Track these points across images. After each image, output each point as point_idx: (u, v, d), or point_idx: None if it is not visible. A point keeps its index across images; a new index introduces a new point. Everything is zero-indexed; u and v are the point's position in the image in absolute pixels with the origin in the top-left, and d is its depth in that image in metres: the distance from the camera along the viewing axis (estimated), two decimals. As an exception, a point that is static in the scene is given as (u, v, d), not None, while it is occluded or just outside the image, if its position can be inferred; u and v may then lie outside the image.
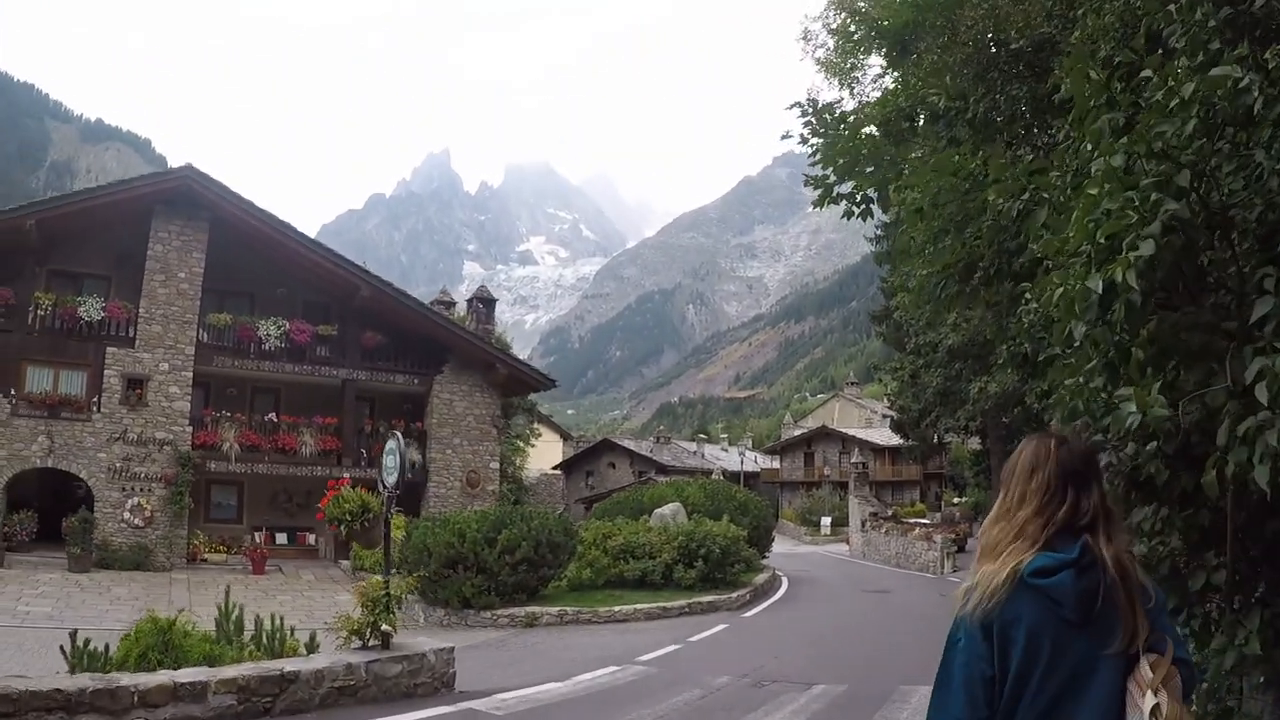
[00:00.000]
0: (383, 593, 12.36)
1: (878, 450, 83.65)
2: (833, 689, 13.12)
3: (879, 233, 60.46)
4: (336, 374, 36.51)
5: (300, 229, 36.73)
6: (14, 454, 31.35)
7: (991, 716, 3.08)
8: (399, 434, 12.94)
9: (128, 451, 32.41)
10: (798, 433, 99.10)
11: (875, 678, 14.14)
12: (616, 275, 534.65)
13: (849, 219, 13.06)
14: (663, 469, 77.98)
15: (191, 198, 33.82)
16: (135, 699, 9.45)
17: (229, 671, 10.56)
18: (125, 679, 9.74)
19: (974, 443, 66.35)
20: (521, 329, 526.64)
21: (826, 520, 74.87)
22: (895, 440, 70.98)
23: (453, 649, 13.08)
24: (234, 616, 13.03)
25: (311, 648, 12.52)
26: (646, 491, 38.24)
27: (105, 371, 32.74)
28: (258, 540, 34.42)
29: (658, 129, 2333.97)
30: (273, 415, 36.02)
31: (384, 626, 12.27)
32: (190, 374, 33.85)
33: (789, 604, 26.78)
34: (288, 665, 11.12)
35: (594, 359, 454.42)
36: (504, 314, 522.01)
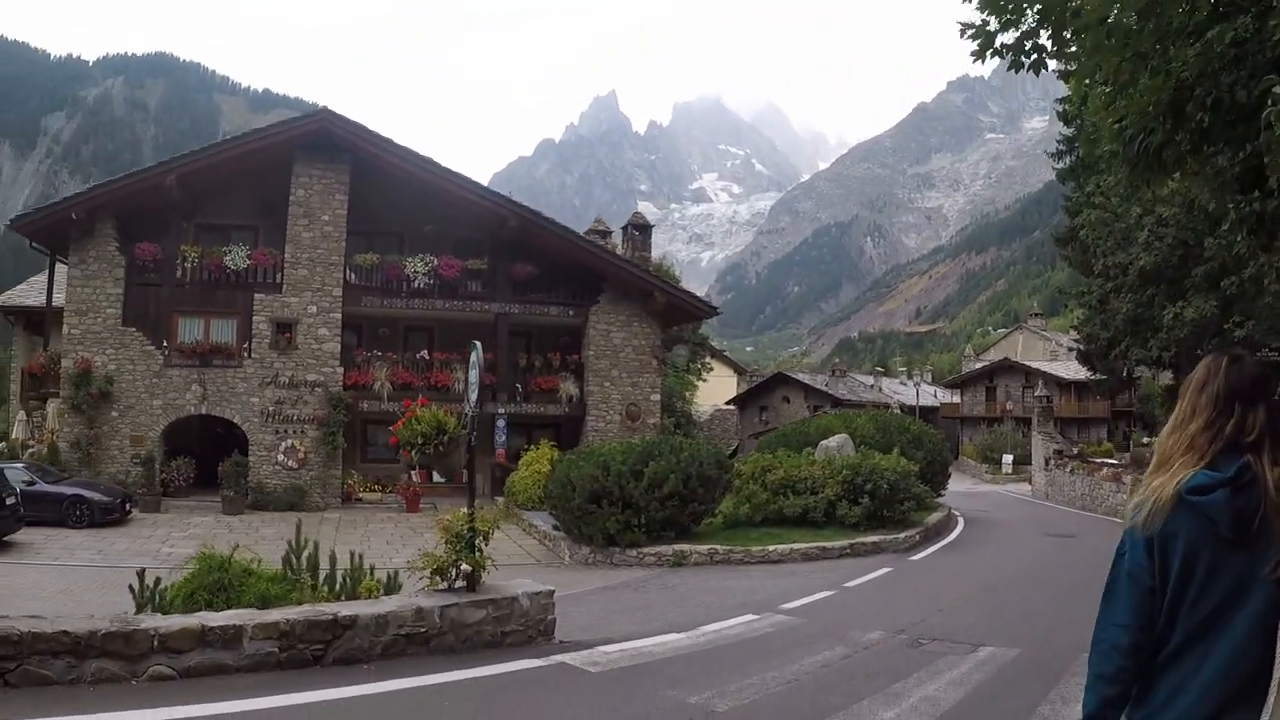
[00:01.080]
0: (467, 527, 10.68)
1: (1063, 385, 79.68)
2: (1002, 653, 11.19)
3: (1060, 146, 58.21)
4: (488, 308, 35.42)
5: (471, 177, 36.00)
6: (169, 403, 32.32)
7: (1153, 626, 3.26)
8: (478, 344, 11.28)
9: (279, 395, 32.71)
10: (978, 366, 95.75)
11: (1053, 641, 12.07)
12: (791, 209, 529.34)
13: (1016, 72, 10.78)
14: (838, 402, 75.69)
15: (331, 140, 33.42)
16: (155, 643, 8.53)
17: (272, 615, 9.40)
18: (146, 621, 8.89)
19: (1166, 377, 63.14)
20: (697, 267, 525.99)
21: (1008, 458, 71.91)
22: (1081, 374, 66.85)
23: (552, 592, 11.51)
24: (306, 554, 11.66)
25: (392, 588, 11.43)
26: (813, 423, 36.20)
27: (254, 318, 33.14)
28: (414, 478, 34.12)
29: (828, 58, 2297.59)
30: (424, 353, 35.36)
31: (464, 565, 10.76)
32: (339, 316, 33.66)
33: (962, 547, 24.57)
34: (344, 609, 9.84)
35: (771, 295, 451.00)
36: (679, 252, 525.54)
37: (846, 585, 16.91)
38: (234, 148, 33.38)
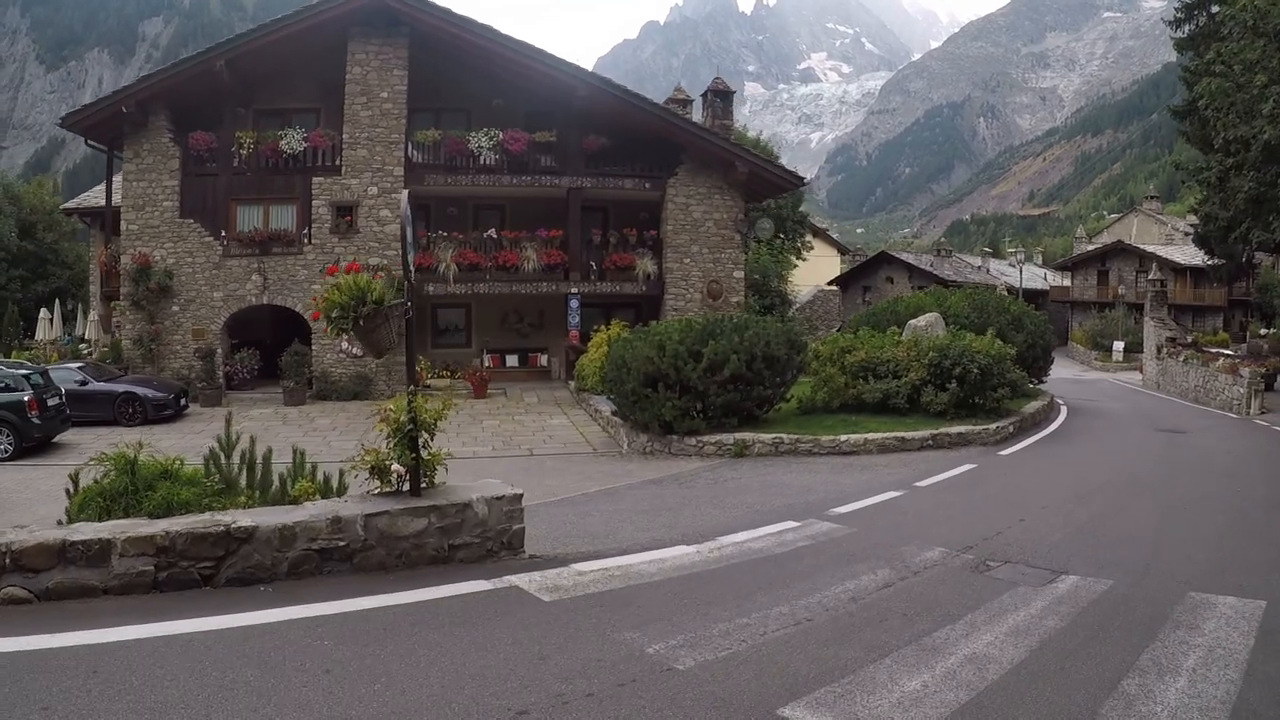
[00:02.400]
0: (406, 419, 8.65)
1: (1178, 270, 76.68)
2: (1088, 586, 8.87)
3: (1178, 13, 55.08)
4: (559, 183, 33.52)
5: (576, 61, 34.31)
6: (230, 295, 31.85)
7: None
8: (405, 192, 9.17)
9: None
10: (1090, 248, 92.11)
11: (1155, 571, 9.69)
12: (902, 89, 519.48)
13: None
14: (943, 283, 72.53)
15: (387, 14, 31.75)
16: (8, 561, 7.26)
17: (149, 527, 7.77)
18: (8, 535, 7.54)
19: None
20: (807, 148, 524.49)
21: (1119, 345, 68.76)
22: (1197, 259, 64.66)
23: (519, 496, 9.50)
24: (240, 451, 9.93)
25: (335, 491, 9.80)
26: (903, 301, 33.72)
27: (313, 202, 32.22)
28: (486, 363, 33.90)
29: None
30: (492, 232, 33.60)
31: (395, 466, 8.88)
32: (401, 195, 31.21)
33: (1060, 441, 21.94)
34: (243, 518, 8.10)
35: (882, 177, 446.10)
36: (788, 133, 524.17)
37: (918, 485, 14.80)
38: (284, 28, 31.50)
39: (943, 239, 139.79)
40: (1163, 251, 79.89)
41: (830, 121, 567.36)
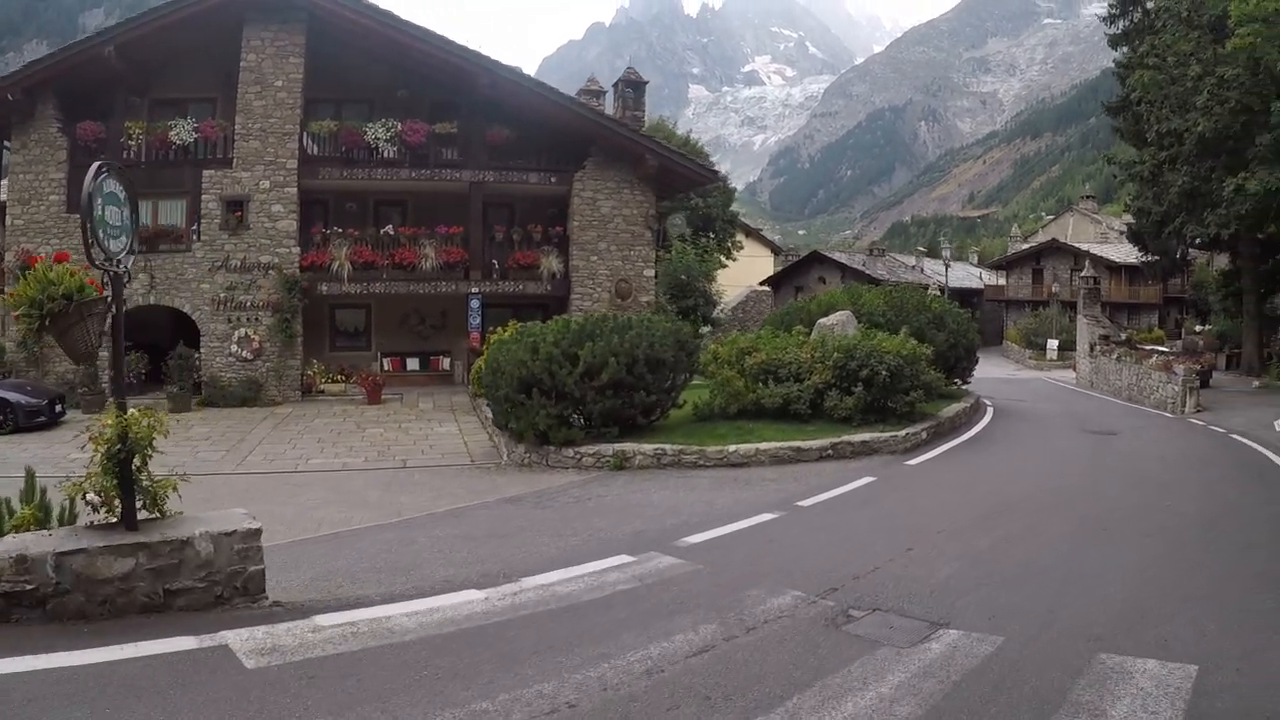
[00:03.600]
0: (115, 437, 6.96)
1: (1113, 268, 77.12)
2: (969, 645, 7.12)
3: (1113, 9, 54.55)
4: (460, 176, 31.82)
5: (520, 63, 32.93)
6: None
7: None
8: (106, 165, 7.41)
9: (231, 280, 30.29)
10: (1025, 247, 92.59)
11: (1061, 619, 7.91)
12: (845, 93, 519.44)
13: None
14: (875, 283, 71.77)
15: None
16: None
17: None
18: None
19: (1222, 261, 60.56)
20: (750, 150, 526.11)
21: (1053, 343, 68.39)
22: (1132, 257, 65.27)
23: (256, 533, 7.82)
24: None
25: (62, 520, 8.16)
26: (816, 299, 32.27)
27: (203, 197, 30.51)
28: (385, 367, 32.66)
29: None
30: (389, 228, 31.98)
31: (90, 495, 7.26)
32: (294, 190, 30.67)
33: (978, 447, 20.36)
34: None
35: (824, 179, 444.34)
36: (732, 136, 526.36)
37: (801, 504, 13.11)
38: (176, 12, 29.59)
39: (882, 240, 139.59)
40: (1097, 250, 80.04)
41: (773, 124, 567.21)
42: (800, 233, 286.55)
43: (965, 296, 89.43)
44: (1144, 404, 35.38)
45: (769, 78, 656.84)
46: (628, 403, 17.97)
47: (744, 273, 70.06)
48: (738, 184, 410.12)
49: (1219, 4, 37.04)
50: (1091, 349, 46.60)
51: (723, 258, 61.72)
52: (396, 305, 33.25)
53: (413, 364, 33.62)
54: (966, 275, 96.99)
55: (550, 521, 12.68)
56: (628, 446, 17.30)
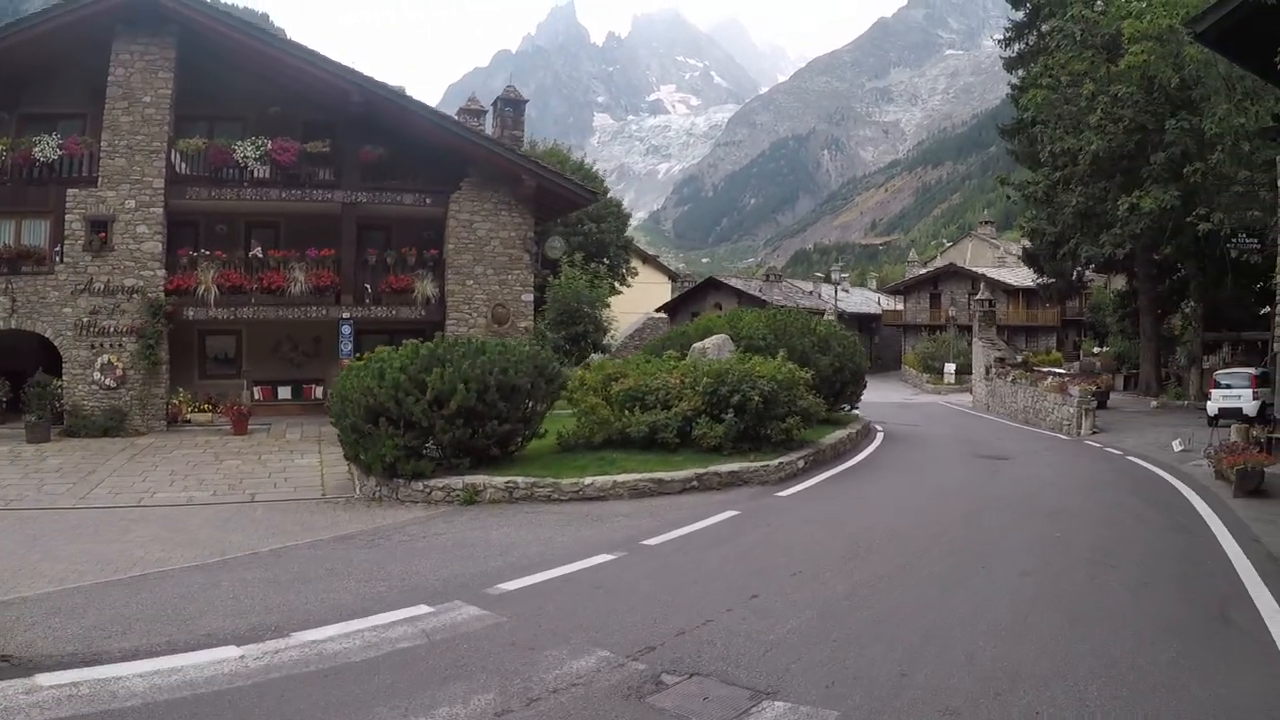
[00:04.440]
0: None
1: (1010, 292, 78.68)
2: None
3: (1008, 33, 54.92)
4: (332, 197, 30.66)
5: (427, 90, 31.68)
6: None
7: None
8: None
9: (94, 304, 28.62)
10: (923, 272, 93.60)
11: (912, 687, 6.79)
12: (749, 122, 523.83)
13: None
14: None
15: (154, 10, 28.67)
16: None
17: None
18: None
19: (1119, 283, 61.17)
20: (655, 179, 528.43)
21: (950, 367, 68.97)
22: (1029, 281, 65.86)
23: None
24: None
25: None
26: (695, 324, 31.45)
27: (66, 216, 28.75)
28: (256, 395, 31.30)
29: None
30: (258, 251, 30.68)
31: None
32: (161, 210, 29.14)
33: (860, 475, 19.48)
34: None
35: (728, 207, 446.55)
36: (636, 164, 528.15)
37: (647, 543, 12.08)
38: (43, 23, 28.31)
39: (785, 267, 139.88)
40: (994, 273, 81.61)
41: (678, 153, 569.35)
42: (704, 260, 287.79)
43: (864, 322, 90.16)
44: (1040, 426, 35.20)
45: (674, 107, 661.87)
46: (479, 432, 16.82)
47: (641, 299, 69.71)
48: (642, 212, 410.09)
49: (1112, 23, 36.93)
50: (987, 372, 46.53)
51: (616, 284, 61.14)
52: (268, 332, 31.93)
53: (284, 392, 32.21)
54: (865, 301, 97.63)
55: (368, 564, 11.53)
56: (479, 479, 16.20)
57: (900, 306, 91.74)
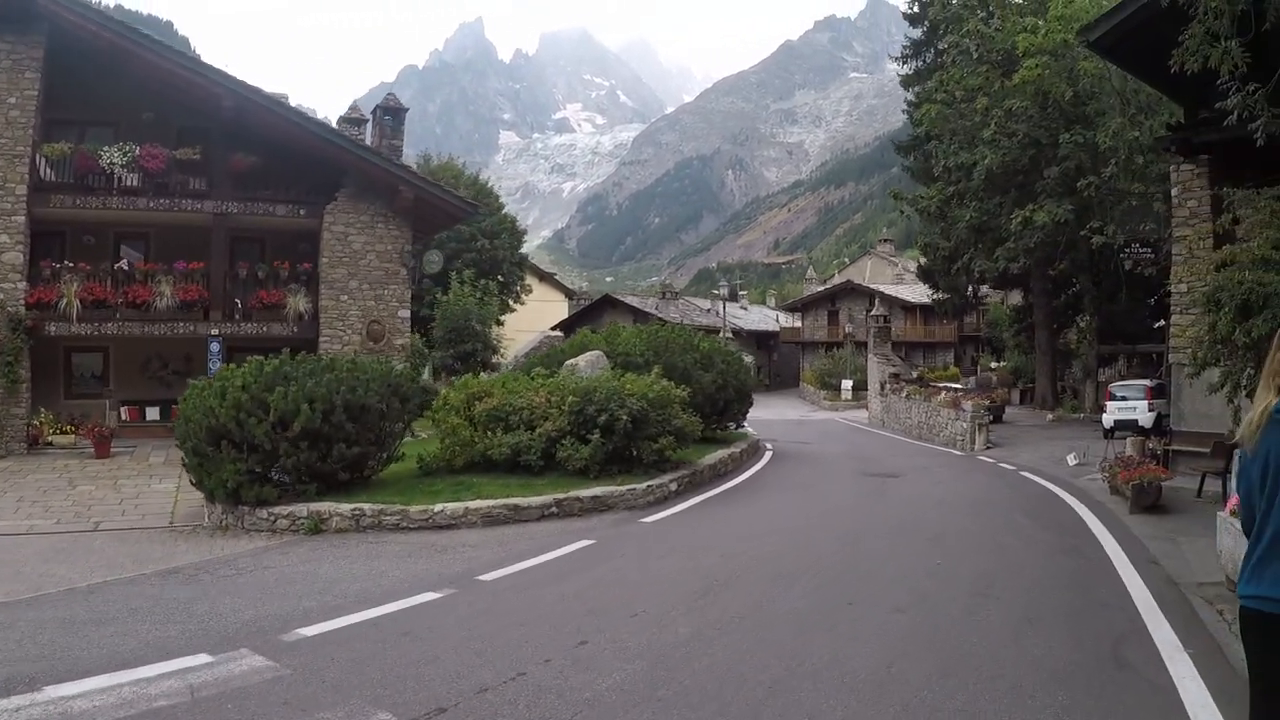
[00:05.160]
0: None
1: (908, 308, 79.54)
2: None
3: (906, 51, 55.01)
4: (202, 207, 29.20)
5: (332, 106, 30.45)
6: None
7: (1256, 509, 4.33)
8: None
9: None
10: (821, 289, 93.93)
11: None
12: (655, 141, 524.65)
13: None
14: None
15: (23, 9, 27.18)
16: None
17: None
18: None
19: (1016, 299, 61.18)
20: (559, 197, 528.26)
21: (847, 384, 69.48)
22: (926, 298, 65.85)
23: None
24: None
25: None
26: (571, 340, 30.75)
27: None
28: (123, 416, 29.66)
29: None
30: (124, 263, 29.24)
31: None
32: (22, 219, 27.50)
33: (736, 497, 18.53)
34: None
35: (633, 226, 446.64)
36: (541, 183, 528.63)
37: (482, 578, 10.97)
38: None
39: (689, 286, 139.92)
40: (892, 290, 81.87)
41: (583, 171, 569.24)
42: (609, 279, 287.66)
43: (762, 339, 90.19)
44: (934, 441, 34.79)
45: (579, 125, 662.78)
46: (326, 456, 15.66)
47: (537, 318, 69.37)
48: (546, 231, 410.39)
49: (1008, 39, 36.86)
50: (882, 388, 46.31)
51: (510, 301, 60.84)
52: (136, 349, 30.39)
53: (153, 413, 30.36)
54: (763, 319, 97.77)
55: (176, 602, 10.34)
56: (324, 507, 15.03)
57: (798, 324, 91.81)
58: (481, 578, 10.92)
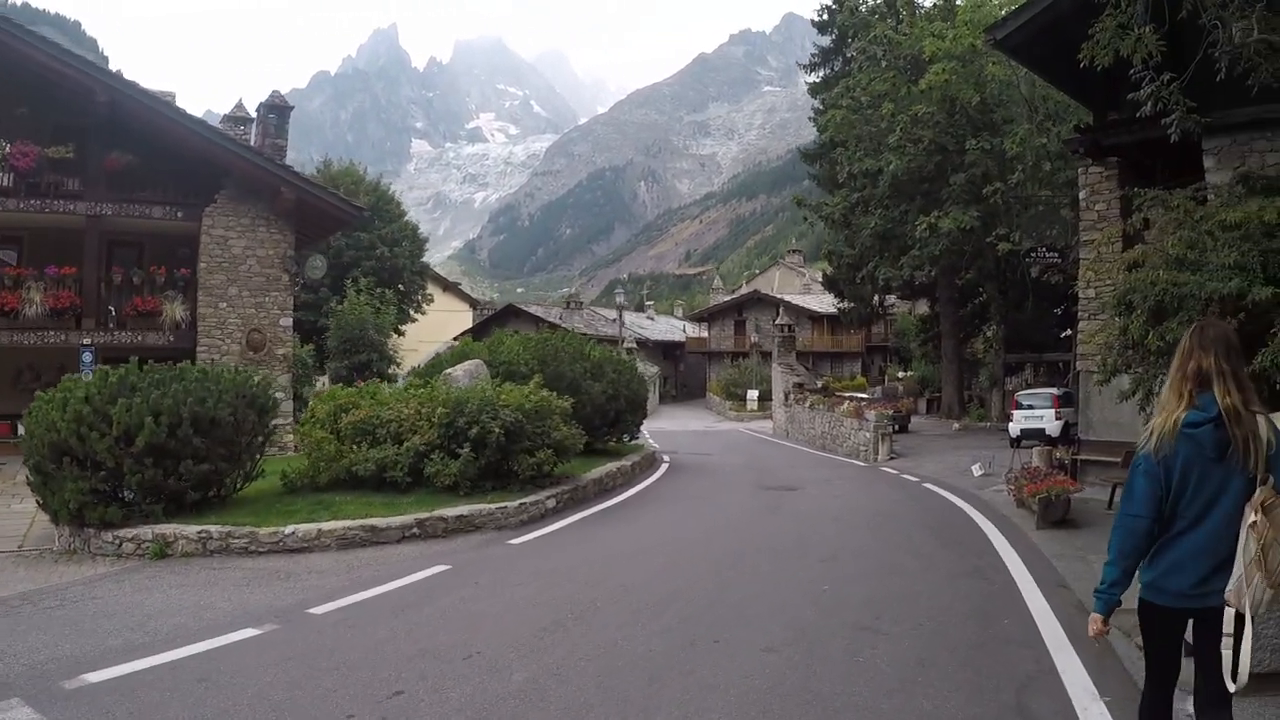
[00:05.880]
0: None
1: (815, 318, 79.66)
2: None
3: (814, 59, 54.64)
4: (75, 208, 27.61)
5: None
6: None
7: (1160, 517, 4.68)
8: None
9: None
10: (727, 299, 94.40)
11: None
12: (568, 152, 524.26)
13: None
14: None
15: None
16: None
17: None
18: None
19: (923, 309, 60.79)
20: (471, 207, 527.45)
21: (753, 394, 68.73)
22: (833, 308, 65.33)
23: None
24: None
25: None
26: (453, 350, 30.34)
27: None
28: None
29: (616, 6, 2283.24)
30: (-6, 268, 27.62)
31: None
32: None
33: (620, 515, 17.46)
34: None
35: (544, 237, 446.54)
36: (453, 192, 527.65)
37: (314, 611, 9.80)
38: None
39: (600, 297, 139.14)
40: (799, 300, 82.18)
41: (495, 182, 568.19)
42: (520, 290, 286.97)
43: (668, 349, 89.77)
44: (837, 452, 34.08)
45: (492, 135, 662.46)
46: (173, 473, 14.37)
47: (441, 328, 68.09)
48: (457, 241, 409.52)
49: (915, 44, 36.67)
50: (786, 398, 45.55)
51: (411, 311, 59.96)
52: (7, 360, 28.94)
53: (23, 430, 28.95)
54: (670, 329, 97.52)
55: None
56: (170, 529, 13.72)
57: (705, 334, 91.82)
58: (313, 610, 9.78)
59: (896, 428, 34.47)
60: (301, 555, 13.19)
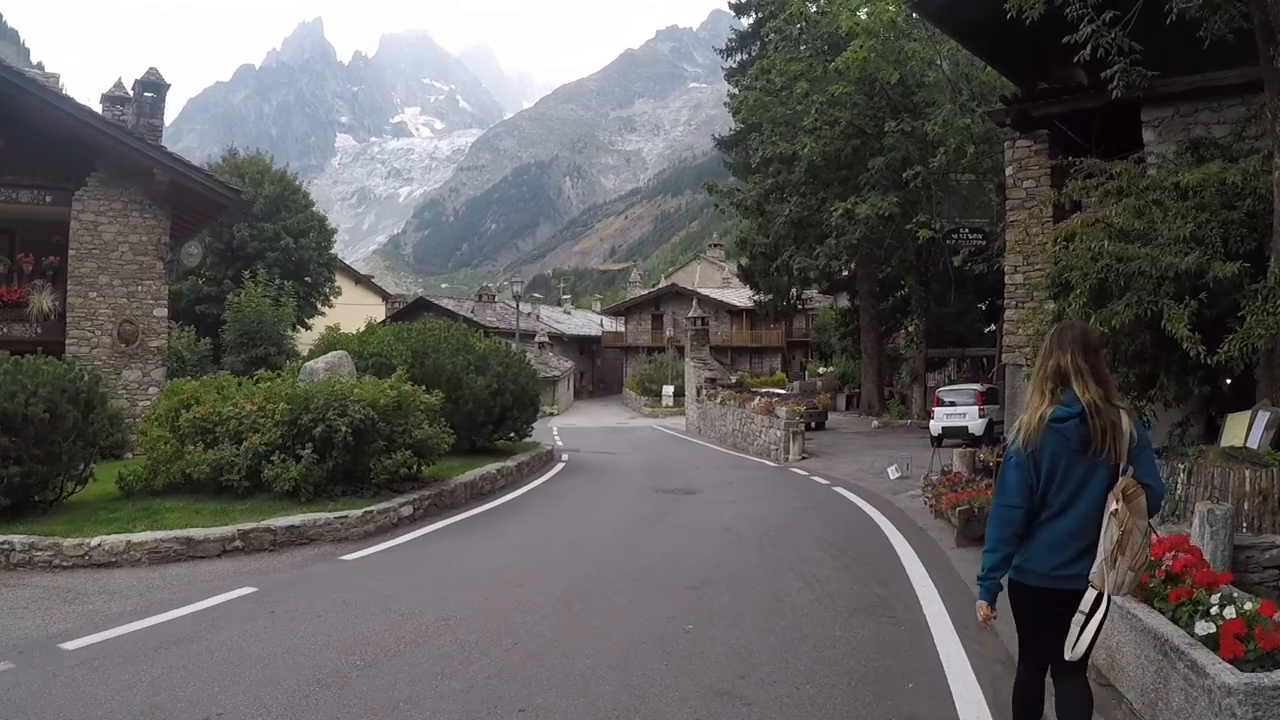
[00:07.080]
0: None
1: (735, 313, 79.12)
2: None
3: (731, 43, 53.92)
4: (-64, 192, 25.88)
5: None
6: None
7: (1032, 505, 4.97)
8: None
9: None
10: (644, 293, 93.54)
11: None
12: (493, 147, 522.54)
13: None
14: (487, 332, 69.24)
15: None
16: None
17: None
18: None
19: (844, 302, 60.84)
20: (396, 202, 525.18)
21: (668, 389, 68.30)
22: (751, 301, 64.25)
23: None
24: None
25: None
26: (319, 341, 28.88)
27: None
28: None
29: (543, 1, 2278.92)
30: None
31: None
32: None
33: (485, 525, 15.74)
34: None
35: (469, 232, 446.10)
36: (378, 187, 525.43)
37: (64, 646, 8.04)
38: None
39: (486, 285, 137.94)
40: (717, 294, 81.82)
41: (420, 177, 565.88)
42: (444, 285, 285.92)
43: (585, 344, 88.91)
44: (748, 451, 33.00)
45: (417, 129, 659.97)
46: (-33, 476, 12.56)
47: (352, 322, 66.24)
48: (382, 236, 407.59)
49: (833, 21, 35.69)
50: (699, 394, 44.59)
51: (318, 304, 59.04)
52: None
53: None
54: (587, 323, 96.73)
55: None
56: (-31, 540, 11.93)
57: (623, 329, 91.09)
58: (67, 645, 8.06)
59: (812, 425, 33.45)
60: (107, 571, 11.51)
